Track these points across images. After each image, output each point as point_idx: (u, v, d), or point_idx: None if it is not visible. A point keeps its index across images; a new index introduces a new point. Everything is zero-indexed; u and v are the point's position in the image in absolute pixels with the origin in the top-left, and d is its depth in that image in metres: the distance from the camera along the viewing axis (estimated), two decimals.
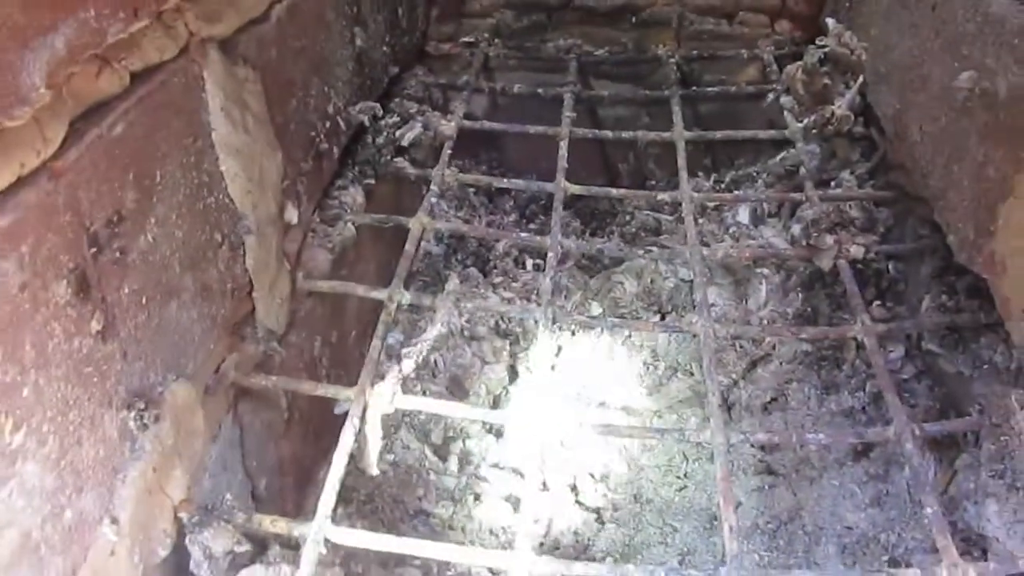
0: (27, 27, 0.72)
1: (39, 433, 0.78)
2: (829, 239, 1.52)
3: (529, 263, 2.14)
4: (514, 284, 2.06)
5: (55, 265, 0.80)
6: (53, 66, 0.76)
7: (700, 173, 2.32)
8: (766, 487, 1.56)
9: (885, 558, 1.41)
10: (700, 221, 2.12)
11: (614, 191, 1.92)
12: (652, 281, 2.03)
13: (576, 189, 1.74)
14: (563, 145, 1.84)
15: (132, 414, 0.94)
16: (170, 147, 1.00)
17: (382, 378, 1.27)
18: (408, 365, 1.26)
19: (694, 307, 1.59)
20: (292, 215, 1.34)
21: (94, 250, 0.86)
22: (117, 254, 0.90)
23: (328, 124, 1.52)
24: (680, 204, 1.75)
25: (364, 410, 1.22)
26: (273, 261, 1.29)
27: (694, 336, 1.48)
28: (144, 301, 0.95)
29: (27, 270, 0.75)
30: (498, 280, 2.07)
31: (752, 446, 1.61)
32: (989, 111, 1.26)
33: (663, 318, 1.97)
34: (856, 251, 1.50)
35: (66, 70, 0.78)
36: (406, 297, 1.41)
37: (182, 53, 1.03)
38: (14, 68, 0.71)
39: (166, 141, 0.99)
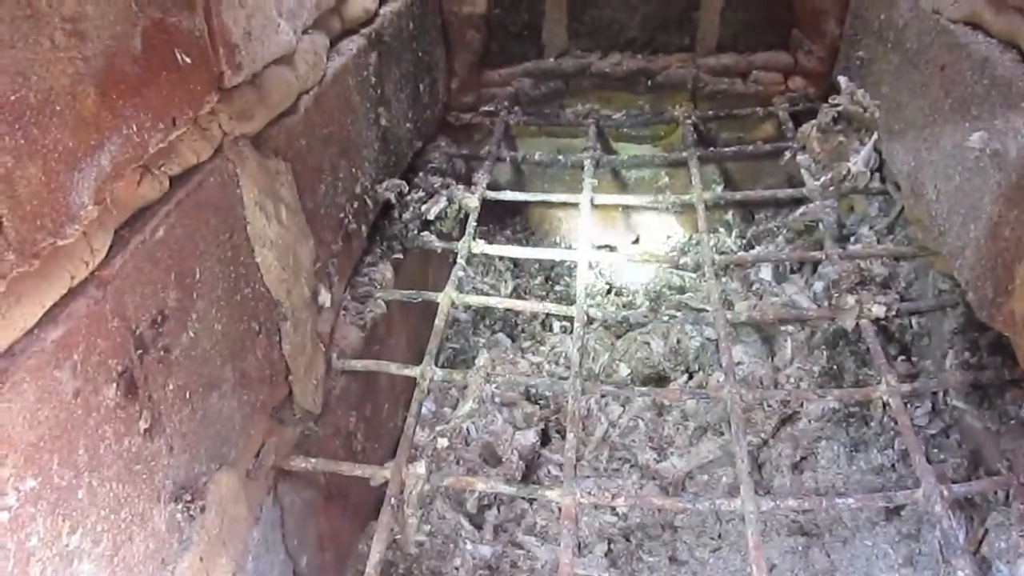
0: (76, 150, 0.77)
1: (93, 533, 0.81)
2: (851, 299, 1.54)
3: (556, 325, 2.17)
4: (542, 348, 2.10)
5: (105, 370, 0.83)
6: (100, 183, 0.80)
7: (721, 229, 2.35)
8: (800, 548, 1.57)
9: None
10: (723, 279, 2.15)
11: (637, 257, 1.95)
12: (678, 341, 2.05)
13: (599, 256, 1.78)
14: (585, 212, 1.87)
15: (179, 507, 0.97)
16: (208, 244, 1.04)
17: (417, 453, 1.30)
18: (442, 443, 1.29)
19: (720, 366, 1.62)
20: (325, 298, 1.38)
21: (140, 351, 0.89)
22: (162, 353, 0.93)
23: (356, 204, 1.57)
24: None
25: (401, 489, 1.25)
26: (308, 344, 1.32)
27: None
28: (188, 396, 0.99)
29: (79, 377, 0.79)
30: (526, 344, 2.10)
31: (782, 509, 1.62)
32: (1001, 172, 1.28)
33: (691, 377, 2.00)
34: (878, 310, 1.52)
35: (112, 185, 0.82)
36: (438, 374, 1.44)
37: (217, 153, 1.07)
38: (64, 189, 0.75)
39: (204, 239, 1.03)
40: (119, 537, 0.85)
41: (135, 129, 0.86)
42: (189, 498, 0.98)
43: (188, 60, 0.96)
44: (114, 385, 0.84)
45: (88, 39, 0.78)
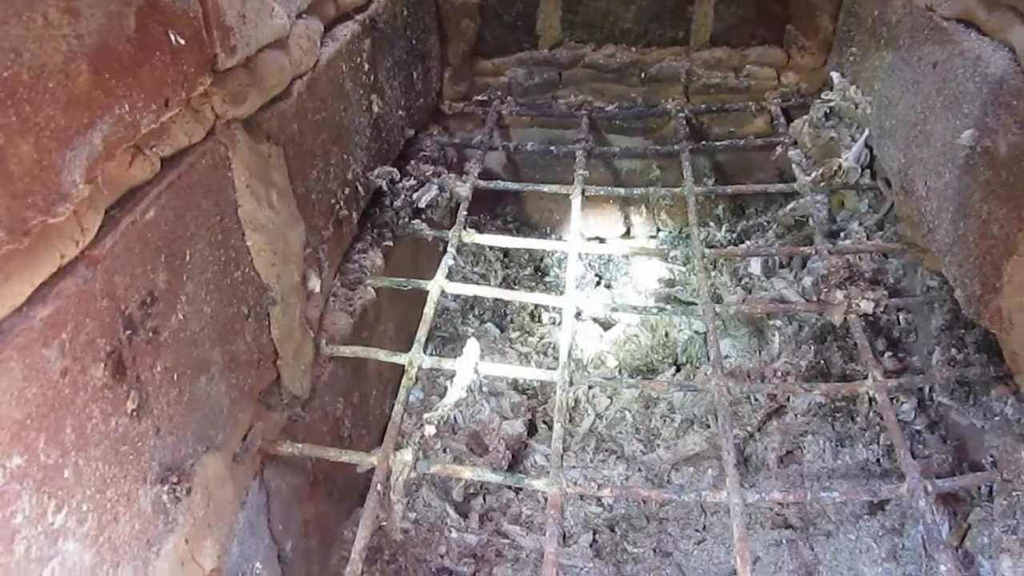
0: (68, 128, 0.76)
1: (79, 512, 0.81)
2: (839, 294, 1.55)
3: (545, 316, 2.18)
4: (531, 338, 2.10)
5: (93, 349, 0.83)
6: (91, 162, 0.80)
7: (711, 223, 2.36)
8: (784, 541, 1.58)
9: None
10: (713, 273, 2.16)
11: (627, 249, 1.95)
12: (667, 333, 2.06)
13: (590, 247, 1.78)
14: (576, 203, 1.87)
15: (165, 488, 0.97)
16: (199, 227, 1.03)
17: (404, 440, 1.31)
18: (430, 430, 1.29)
19: (708, 359, 1.62)
20: (315, 283, 1.38)
21: (129, 332, 0.89)
22: (150, 334, 0.93)
23: (347, 190, 1.56)
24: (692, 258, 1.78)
25: (387, 475, 1.25)
26: (297, 329, 1.32)
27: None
28: (176, 378, 0.99)
29: (67, 356, 0.79)
30: (515, 335, 2.10)
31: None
32: (991, 169, 1.28)
33: (678, 369, 2.00)
34: (866, 306, 1.53)
35: (103, 164, 0.82)
36: (426, 361, 1.44)
37: (209, 135, 1.06)
38: (56, 167, 0.75)
39: (195, 221, 1.03)
40: (104, 517, 0.85)
41: (127, 109, 0.86)
42: (175, 480, 0.98)
43: (182, 41, 0.96)
44: (102, 365, 0.84)
45: (81, 17, 0.77)
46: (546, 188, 2.00)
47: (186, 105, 1.00)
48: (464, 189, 1.86)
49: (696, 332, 2.05)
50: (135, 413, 0.90)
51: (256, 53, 1.16)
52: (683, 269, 2.26)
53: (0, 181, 0.68)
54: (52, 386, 0.77)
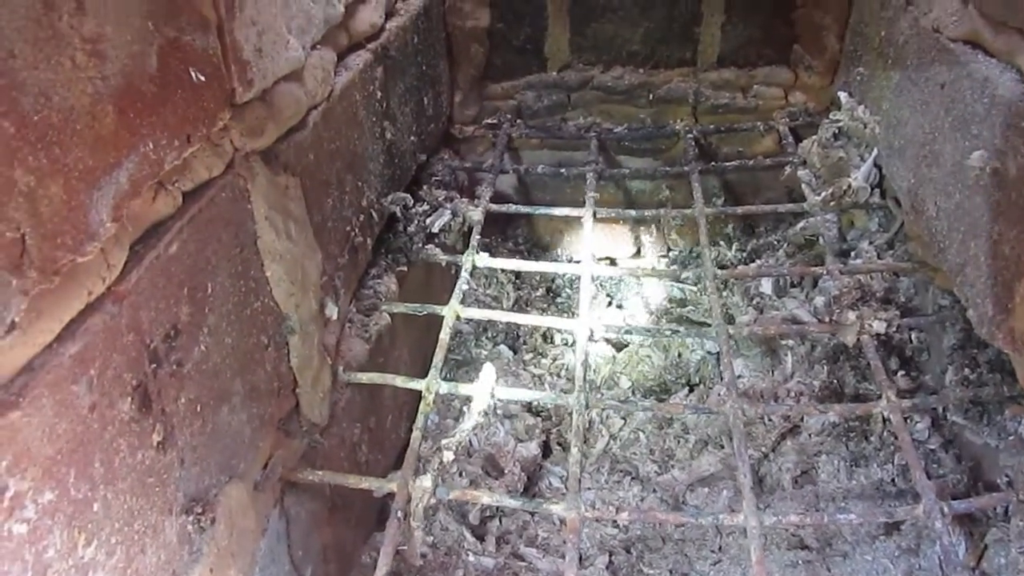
0: (95, 168, 0.78)
1: (108, 545, 0.82)
2: (851, 315, 1.55)
3: (558, 338, 2.19)
4: (544, 360, 2.11)
5: (120, 384, 0.84)
6: (118, 200, 0.81)
7: (721, 242, 2.37)
8: (800, 562, 1.58)
9: None
10: (724, 293, 2.17)
11: (639, 272, 1.96)
12: (679, 354, 2.07)
13: (602, 270, 1.79)
14: (587, 226, 1.88)
15: (190, 519, 0.98)
16: (219, 259, 1.05)
17: (422, 466, 1.32)
18: (448, 456, 1.30)
19: (721, 379, 1.63)
20: (332, 311, 1.39)
21: (154, 365, 0.90)
22: (174, 367, 0.95)
23: (362, 217, 1.58)
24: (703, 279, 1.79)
25: (407, 501, 1.26)
26: (315, 357, 1.34)
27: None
28: (199, 409, 1.00)
29: (96, 391, 0.80)
30: (528, 357, 2.11)
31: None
32: (1001, 191, 1.29)
33: (691, 389, 2.01)
34: (878, 326, 1.53)
35: (129, 202, 0.84)
36: (443, 387, 1.45)
37: (228, 169, 1.08)
38: (84, 207, 0.76)
39: (216, 254, 1.04)
40: (132, 549, 0.87)
41: (151, 147, 0.87)
42: (200, 510, 1.00)
43: (202, 78, 0.98)
44: (129, 399, 0.86)
45: (107, 59, 0.79)
46: (558, 211, 2.01)
47: (206, 140, 1.02)
48: (476, 213, 1.87)
49: (708, 352, 2.06)
50: (160, 445, 0.92)
51: (272, 86, 1.18)
52: (694, 289, 2.27)
53: (32, 223, 0.69)
54: (81, 421, 0.78)
